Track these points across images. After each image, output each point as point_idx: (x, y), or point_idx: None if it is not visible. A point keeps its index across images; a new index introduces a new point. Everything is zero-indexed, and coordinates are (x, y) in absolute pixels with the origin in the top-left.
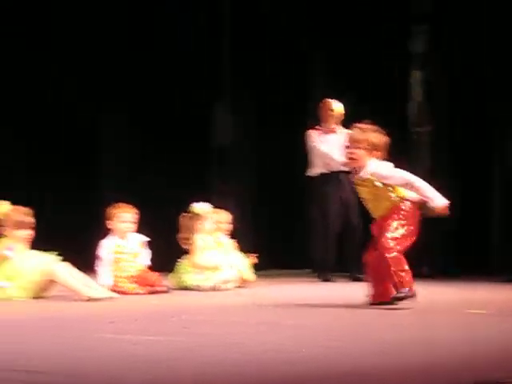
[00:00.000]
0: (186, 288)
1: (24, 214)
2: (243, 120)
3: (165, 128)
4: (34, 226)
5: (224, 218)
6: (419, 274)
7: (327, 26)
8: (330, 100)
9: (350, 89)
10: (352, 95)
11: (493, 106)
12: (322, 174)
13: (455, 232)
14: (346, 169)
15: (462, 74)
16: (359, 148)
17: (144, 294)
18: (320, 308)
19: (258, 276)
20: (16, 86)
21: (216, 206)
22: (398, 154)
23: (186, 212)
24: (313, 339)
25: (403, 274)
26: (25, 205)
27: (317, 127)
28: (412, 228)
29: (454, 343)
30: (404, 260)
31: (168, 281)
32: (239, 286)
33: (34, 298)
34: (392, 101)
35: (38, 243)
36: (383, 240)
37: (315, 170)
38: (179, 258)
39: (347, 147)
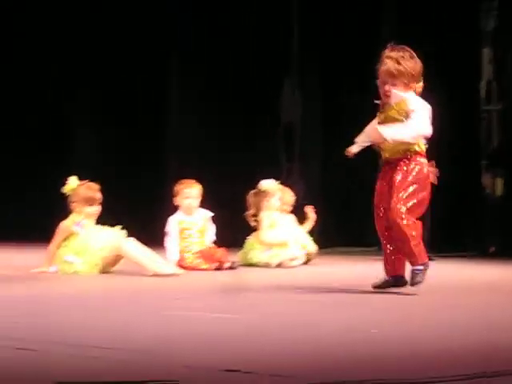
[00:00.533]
0: (252, 265)
1: (93, 190)
2: (311, 96)
3: (233, 103)
4: (101, 201)
5: (288, 196)
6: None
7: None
8: None
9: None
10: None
11: None
12: None
13: None
14: None
15: None
16: (395, 85)
17: (210, 269)
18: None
19: (325, 253)
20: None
21: (282, 183)
22: (468, 133)
23: (253, 189)
24: (378, 319)
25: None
26: (91, 180)
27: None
28: (425, 194)
29: None
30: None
31: (235, 257)
32: (305, 263)
33: (101, 273)
34: (462, 79)
35: (104, 219)
36: (396, 202)
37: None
38: (248, 234)
39: (383, 83)
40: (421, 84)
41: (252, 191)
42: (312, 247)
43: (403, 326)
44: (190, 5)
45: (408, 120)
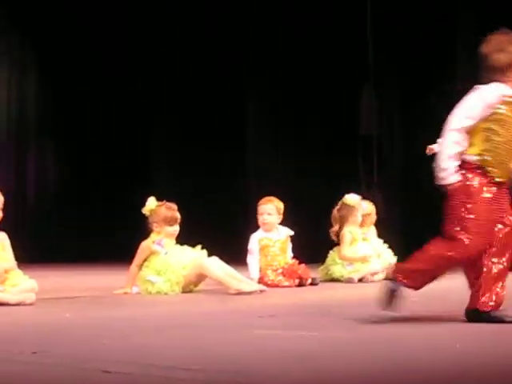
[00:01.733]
0: (333, 280)
1: (172, 210)
2: (389, 108)
3: (311, 116)
4: (180, 221)
5: (370, 209)
6: None
7: None
8: None
9: None
10: None
11: None
12: None
13: None
14: None
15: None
16: None
17: (292, 286)
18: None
19: None
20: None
21: (363, 197)
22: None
23: (337, 204)
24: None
25: None
26: (169, 200)
27: None
28: None
29: None
30: None
31: (316, 273)
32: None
33: (183, 291)
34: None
35: (185, 238)
36: None
37: None
38: (330, 249)
39: None
40: None
41: (336, 206)
42: (393, 260)
43: None
44: (265, 19)
45: None
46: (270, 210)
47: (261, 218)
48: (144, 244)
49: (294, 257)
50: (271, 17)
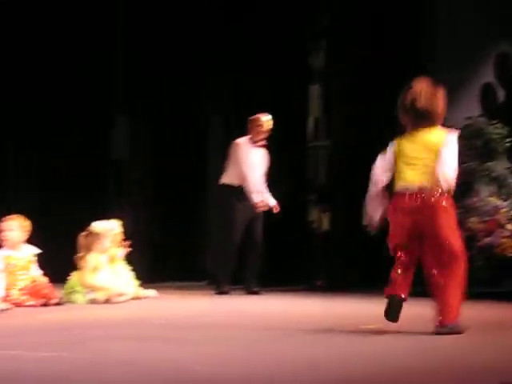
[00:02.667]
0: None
1: None
2: (141, 133)
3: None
4: None
5: (118, 229)
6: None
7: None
8: (260, 115)
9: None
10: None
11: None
12: (235, 186)
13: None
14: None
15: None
16: None
17: (37, 305)
18: (213, 323)
19: (156, 288)
20: None
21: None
22: (296, 169)
23: (84, 230)
24: (207, 355)
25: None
26: None
27: (247, 139)
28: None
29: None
30: None
31: (61, 294)
32: (133, 299)
33: None
34: (290, 115)
35: None
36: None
37: (231, 180)
38: (70, 273)
39: None
40: None
41: (82, 233)
42: (136, 284)
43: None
44: None
45: None
46: (13, 226)
47: (2, 235)
48: None
49: (44, 275)
50: None
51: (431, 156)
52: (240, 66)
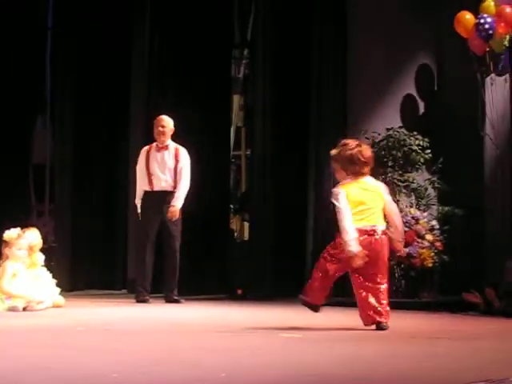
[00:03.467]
0: None
1: None
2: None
3: None
4: None
5: (35, 236)
6: (234, 294)
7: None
8: (161, 116)
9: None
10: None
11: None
12: (146, 193)
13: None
14: (169, 188)
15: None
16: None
17: None
18: (132, 331)
19: (75, 296)
20: None
21: (31, 225)
22: (218, 178)
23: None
24: (124, 363)
25: None
26: None
27: (152, 144)
28: None
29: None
30: None
31: None
32: (54, 307)
33: None
34: (214, 125)
35: None
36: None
37: (140, 187)
38: None
39: None
40: None
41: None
42: (59, 300)
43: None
44: None
45: None
46: None
47: None
48: None
49: None
50: None
51: (378, 199)
52: (163, 75)
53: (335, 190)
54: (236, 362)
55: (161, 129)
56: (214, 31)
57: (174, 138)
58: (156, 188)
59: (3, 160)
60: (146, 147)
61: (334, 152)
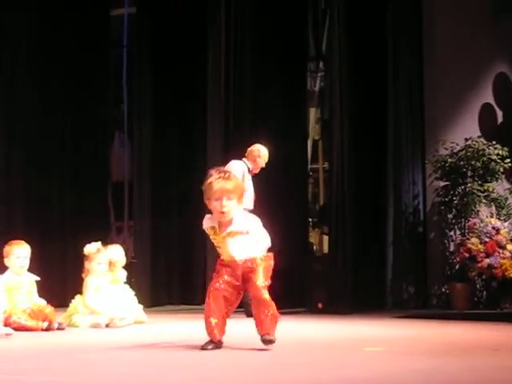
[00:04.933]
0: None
1: None
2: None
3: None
4: None
5: (118, 252)
6: (314, 308)
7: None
8: (260, 146)
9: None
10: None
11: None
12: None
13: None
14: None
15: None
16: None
17: (37, 329)
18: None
19: (157, 312)
20: None
21: (112, 241)
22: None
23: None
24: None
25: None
26: None
27: (243, 161)
28: None
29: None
30: None
31: (63, 318)
32: (136, 323)
33: None
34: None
35: None
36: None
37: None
38: (73, 297)
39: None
40: None
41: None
42: (141, 316)
43: None
44: None
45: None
46: (27, 253)
47: (18, 262)
48: None
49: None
50: None
51: None
52: (240, 90)
53: None
54: (323, 376)
55: (263, 164)
56: (288, 45)
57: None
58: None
59: (83, 178)
60: (243, 165)
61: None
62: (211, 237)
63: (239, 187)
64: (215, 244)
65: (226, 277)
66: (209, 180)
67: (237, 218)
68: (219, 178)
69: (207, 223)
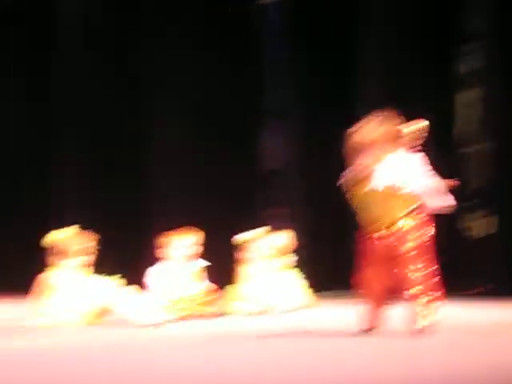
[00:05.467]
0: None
1: (77, 241)
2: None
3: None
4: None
5: (283, 238)
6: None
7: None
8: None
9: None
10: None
11: None
12: None
13: None
14: None
15: None
16: None
17: (205, 316)
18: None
19: (324, 296)
20: None
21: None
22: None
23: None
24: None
25: None
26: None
27: None
28: None
29: None
30: None
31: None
32: (297, 308)
33: (89, 324)
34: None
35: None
36: None
37: None
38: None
39: None
40: None
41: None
42: (306, 301)
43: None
44: None
45: None
46: (189, 243)
47: (178, 251)
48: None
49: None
50: None
51: None
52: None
53: None
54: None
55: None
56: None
57: None
58: None
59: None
60: None
61: None
62: None
63: None
64: None
65: None
66: None
67: None
68: None
69: None
